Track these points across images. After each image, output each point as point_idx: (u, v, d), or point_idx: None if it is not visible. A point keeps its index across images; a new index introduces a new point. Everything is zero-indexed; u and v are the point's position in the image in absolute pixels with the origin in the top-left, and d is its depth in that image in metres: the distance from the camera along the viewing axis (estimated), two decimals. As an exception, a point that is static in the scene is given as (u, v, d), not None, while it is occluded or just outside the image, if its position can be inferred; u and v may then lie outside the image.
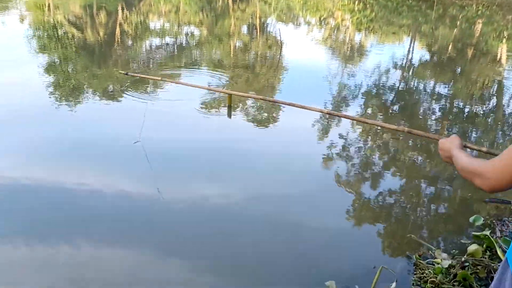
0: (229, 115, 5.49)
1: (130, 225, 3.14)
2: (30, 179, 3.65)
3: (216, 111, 5.63)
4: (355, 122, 5.51)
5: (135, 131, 4.31)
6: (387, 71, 8.47)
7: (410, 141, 4.91)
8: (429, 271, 2.68)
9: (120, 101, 5.73)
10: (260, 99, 2.19)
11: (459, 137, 1.53)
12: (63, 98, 5.85)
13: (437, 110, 6.28)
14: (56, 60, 7.89)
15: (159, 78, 2.82)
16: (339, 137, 4.95)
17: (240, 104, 5.89)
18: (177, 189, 3.65)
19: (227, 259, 2.86)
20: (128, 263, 2.77)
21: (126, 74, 2.83)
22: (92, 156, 4.16)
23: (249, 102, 6.09)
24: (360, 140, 4.98)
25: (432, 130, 5.39)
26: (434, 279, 2.59)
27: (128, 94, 5.91)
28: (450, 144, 1.49)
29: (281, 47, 9.33)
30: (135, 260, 2.79)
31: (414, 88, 7.43)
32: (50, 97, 5.82)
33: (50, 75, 6.88)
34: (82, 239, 2.95)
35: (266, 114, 5.66)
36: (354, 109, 5.98)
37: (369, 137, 5.07)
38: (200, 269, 2.75)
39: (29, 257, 2.78)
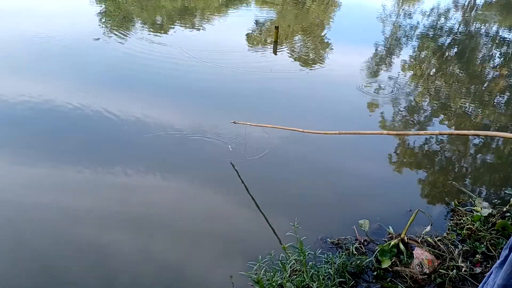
0: (275, 51, 5.41)
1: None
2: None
3: (262, 46, 5.55)
4: (406, 65, 5.27)
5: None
6: (447, 11, 7.86)
7: (463, 89, 4.67)
8: (467, 218, 2.67)
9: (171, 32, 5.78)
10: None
11: None
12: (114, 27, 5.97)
13: (496, 56, 5.84)
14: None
15: (270, 126, 3.07)
16: (389, 79, 4.78)
17: (287, 41, 5.76)
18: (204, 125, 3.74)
19: (268, 195, 2.97)
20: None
21: (234, 122, 3.13)
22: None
23: (296, 38, 5.94)
24: (409, 85, 4.78)
25: (489, 76, 5.08)
26: (471, 226, 2.58)
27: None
28: None
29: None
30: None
31: (474, 32, 6.88)
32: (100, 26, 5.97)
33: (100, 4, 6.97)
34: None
35: (311, 54, 5.52)
36: (407, 51, 5.69)
37: (419, 82, 4.85)
38: (244, 204, 2.89)
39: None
